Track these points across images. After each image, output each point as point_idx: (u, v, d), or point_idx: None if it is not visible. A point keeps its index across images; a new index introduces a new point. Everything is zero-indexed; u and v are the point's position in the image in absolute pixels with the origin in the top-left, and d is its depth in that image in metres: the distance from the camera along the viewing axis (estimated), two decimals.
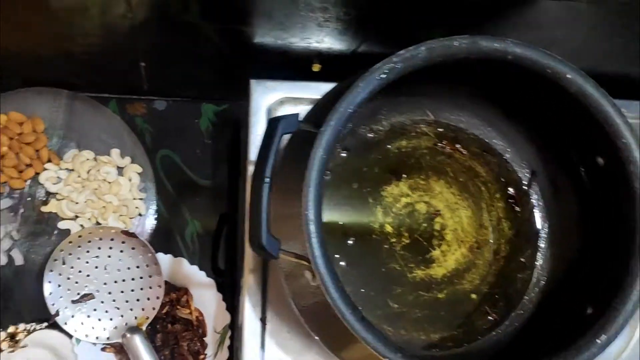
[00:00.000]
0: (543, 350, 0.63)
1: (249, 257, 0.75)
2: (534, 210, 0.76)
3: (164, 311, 0.86)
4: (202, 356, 0.87)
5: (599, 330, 0.61)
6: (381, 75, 0.60)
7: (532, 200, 0.76)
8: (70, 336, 0.84)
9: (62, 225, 0.87)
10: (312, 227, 0.58)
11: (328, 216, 0.72)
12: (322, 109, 0.65)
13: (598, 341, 0.60)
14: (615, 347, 0.78)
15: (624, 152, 0.63)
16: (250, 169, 0.72)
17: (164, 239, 0.90)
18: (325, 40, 0.75)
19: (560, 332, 0.66)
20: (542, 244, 0.75)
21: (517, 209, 0.76)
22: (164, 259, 0.86)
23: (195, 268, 0.87)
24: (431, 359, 0.70)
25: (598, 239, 0.69)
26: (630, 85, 0.84)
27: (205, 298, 0.87)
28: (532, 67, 0.62)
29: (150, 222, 0.90)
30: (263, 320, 0.74)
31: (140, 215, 0.89)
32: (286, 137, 0.68)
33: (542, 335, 0.70)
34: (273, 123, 0.62)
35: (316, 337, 0.67)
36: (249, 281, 0.75)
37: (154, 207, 0.90)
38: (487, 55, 0.62)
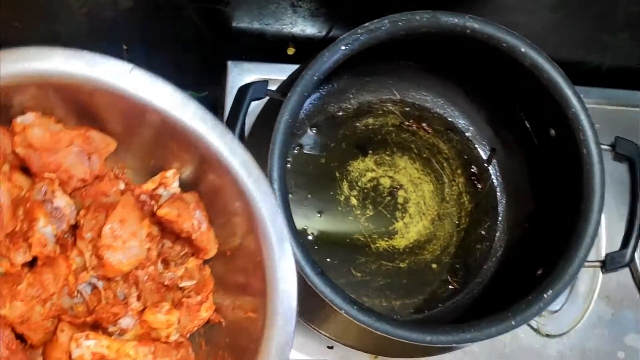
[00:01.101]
0: (497, 308, 0.67)
1: None
2: (493, 184, 0.80)
3: None
4: None
5: (546, 287, 0.65)
6: (346, 46, 0.65)
7: (491, 175, 0.80)
8: None
9: None
10: (276, 185, 0.62)
11: (296, 190, 0.76)
12: (290, 81, 0.69)
13: (545, 296, 0.64)
14: (571, 317, 0.83)
15: (573, 122, 0.67)
16: None
17: None
18: (298, 22, 0.80)
19: (514, 293, 0.70)
20: (500, 216, 0.79)
21: (478, 184, 0.80)
22: None
23: None
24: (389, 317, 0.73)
25: (549, 207, 0.73)
26: (589, 72, 0.90)
27: None
28: (489, 41, 0.67)
29: None
30: None
31: None
32: (258, 109, 0.73)
33: (498, 297, 0.73)
34: (243, 89, 0.66)
35: None
36: None
37: None
38: (447, 29, 0.67)
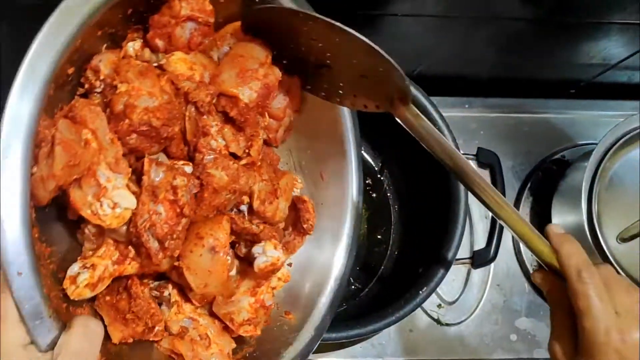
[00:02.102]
0: (384, 304, 0.76)
1: None
2: (386, 193, 0.89)
3: None
4: None
5: (422, 284, 0.74)
6: None
7: (384, 185, 0.89)
8: None
9: None
10: None
11: None
12: None
13: (421, 292, 0.74)
14: (467, 306, 0.92)
15: None
16: None
17: None
18: None
19: (403, 289, 0.79)
20: (393, 221, 0.89)
21: (373, 194, 0.89)
22: None
23: None
24: None
25: (427, 212, 0.82)
26: (478, 84, 1.00)
27: None
28: None
29: None
30: None
31: None
32: None
33: (393, 294, 0.83)
34: None
35: None
36: None
37: None
38: None
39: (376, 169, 0.89)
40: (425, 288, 0.74)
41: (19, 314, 0.42)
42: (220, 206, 0.53)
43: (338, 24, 0.49)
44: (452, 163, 0.54)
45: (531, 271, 0.95)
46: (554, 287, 0.56)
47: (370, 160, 0.89)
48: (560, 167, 0.97)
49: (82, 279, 0.48)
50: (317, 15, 0.50)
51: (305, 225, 0.61)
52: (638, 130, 0.83)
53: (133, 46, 0.53)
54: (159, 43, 0.54)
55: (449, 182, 0.76)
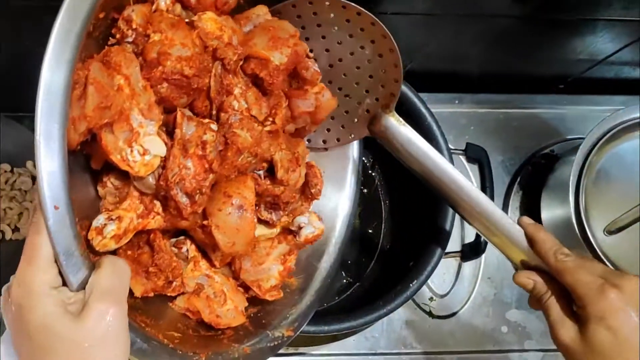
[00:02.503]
0: (376, 297, 0.78)
1: None
2: (377, 189, 0.91)
3: None
4: None
5: (413, 277, 0.76)
6: None
7: (375, 181, 0.91)
8: None
9: None
10: None
11: None
12: None
13: (411, 285, 0.75)
14: (458, 299, 0.94)
15: (428, 132, 0.78)
16: None
17: None
18: None
19: (394, 283, 0.81)
20: (384, 216, 0.90)
21: (364, 189, 0.91)
22: None
23: None
24: None
25: (418, 206, 0.84)
26: (468, 81, 1.01)
27: None
28: None
29: None
30: None
31: None
32: None
33: (384, 287, 0.84)
34: None
35: None
36: None
37: None
38: None
39: (367, 164, 0.91)
40: (415, 281, 0.75)
41: (53, 250, 0.42)
42: (241, 167, 0.54)
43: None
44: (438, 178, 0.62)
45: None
46: (537, 282, 0.59)
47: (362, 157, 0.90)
48: (549, 161, 0.99)
49: (108, 230, 0.49)
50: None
51: (313, 190, 0.63)
52: (623, 125, 0.85)
53: (165, 0, 0.54)
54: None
55: None
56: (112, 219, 0.50)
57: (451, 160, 0.77)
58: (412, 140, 0.61)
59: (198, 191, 0.50)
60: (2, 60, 0.89)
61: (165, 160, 0.49)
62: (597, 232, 0.85)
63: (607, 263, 0.82)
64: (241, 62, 0.54)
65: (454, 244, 0.87)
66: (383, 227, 0.90)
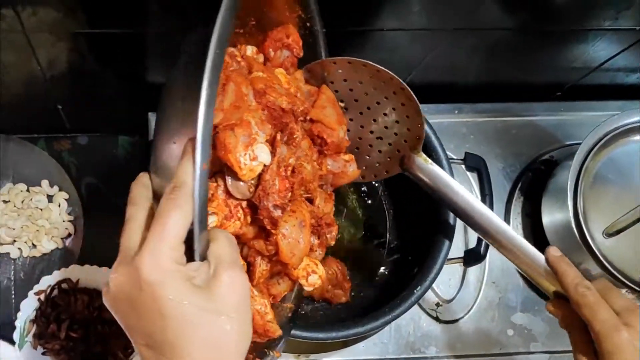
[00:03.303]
0: (381, 304, 0.80)
1: None
2: (381, 199, 0.93)
3: (94, 315, 1.01)
4: (130, 350, 1.02)
5: (417, 284, 0.78)
6: None
7: (379, 191, 0.94)
8: (13, 343, 0.98)
9: (2, 249, 1.02)
10: None
11: None
12: None
13: (416, 291, 0.78)
14: (464, 304, 0.96)
15: (427, 144, 0.81)
16: None
17: (92, 253, 1.05)
18: None
19: (398, 289, 0.83)
20: (388, 225, 0.93)
21: (368, 200, 0.93)
22: (92, 269, 1.02)
23: None
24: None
25: (420, 214, 0.86)
26: (467, 91, 1.04)
27: None
28: None
29: (78, 239, 1.05)
30: None
31: (70, 234, 1.05)
32: None
33: (392, 293, 0.86)
34: None
35: None
36: None
37: (81, 226, 1.06)
38: None
39: None
40: (419, 287, 0.78)
41: (194, 212, 0.43)
42: (295, 195, 0.62)
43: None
44: (463, 209, 0.69)
45: None
46: (565, 312, 0.63)
47: None
48: (549, 167, 1.01)
49: (211, 221, 0.53)
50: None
51: (328, 236, 0.68)
52: (618, 130, 0.88)
53: (251, 49, 0.63)
54: (271, 53, 0.64)
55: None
56: (212, 213, 0.54)
57: (450, 171, 0.79)
58: (440, 177, 0.69)
59: (280, 206, 0.56)
60: (16, 83, 0.93)
61: (263, 172, 0.55)
62: (597, 234, 0.87)
63: (608, 266, 0.84)
64: (304, 116, 0.63)
65: (458, 251, 0.89)
66: (388, 235, 0.92)
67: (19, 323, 0.99)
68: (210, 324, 0.43)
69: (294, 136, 0.60)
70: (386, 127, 0.69)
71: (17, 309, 0.99)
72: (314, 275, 0.64)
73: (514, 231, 0.68)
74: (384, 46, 0.87)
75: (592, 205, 0.88)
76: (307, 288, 0.65)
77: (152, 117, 0.97)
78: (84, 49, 0.83)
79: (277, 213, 0.56)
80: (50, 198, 1.06)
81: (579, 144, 0.89)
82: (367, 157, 0.72)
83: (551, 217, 0.95)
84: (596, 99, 1.07)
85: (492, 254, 0.88)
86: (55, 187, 1.06)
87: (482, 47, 0.92)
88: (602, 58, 0.96)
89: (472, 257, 0.81)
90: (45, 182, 1.06)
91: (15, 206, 1.04)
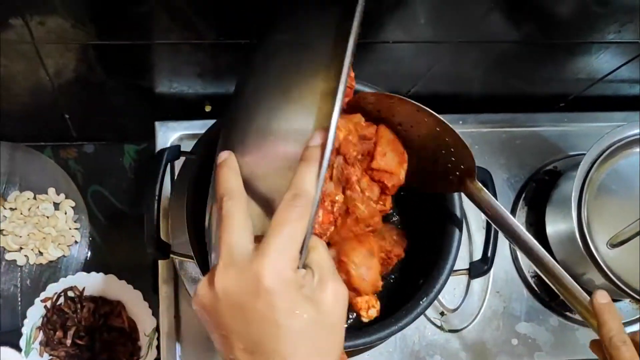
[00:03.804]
0: (387, 315, 0.80)
1: (162, 269, 0.92)
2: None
3: (100, 322, 1.02)
4: (135, 357, 1.02)
5: (423, 295, 0.79)
6: None
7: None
8: (19, 350, 0.99)
9: (9, 256, 1.03)
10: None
11: None
12: (204, 137, 0.82)
13: (421, 302, 0.78)
14: (469, 313, 0.97)
15: None
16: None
17: (97, 260, 1.06)
18: (207, 86, 0.93)
19: (403, 300, 0.83)
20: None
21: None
22: (97, 277, 1.02)
23: (123, 282, 1.03)
24: None
25: (430, 227, 0.87)
26: (471, 102, 1.04)
27: (135, 307, 1.03)
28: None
29: (84, 246, 1.06)
30: (177, 318, 0.91)
31: (76, 242, 1.06)
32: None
33: (393, 305, 0.87)
34: (160, 153, 0.78)
35: None
36: (163, 289, 0.92)
37: (87, 234, 1.07)
38: None
39: None
40: (425, 298, 0.78)
41: (310, 219, 0.44)
42: (358, 233, 0.67)
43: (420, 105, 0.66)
44: (511, 234, 0.72)
45: (529, 278, 1.00)
46: (604, 357, 0.64)
47: None
48: (553, 177, 1.02)
49: None
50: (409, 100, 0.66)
51: None
52: (621, 142, 0.88)
53: None
54: None
55: (444, 200, 0.81)
56: None
57: None
58: (492, 205, 0.73)
59: (320, 235, 0.60)
60: (24, 92, 0.94)
61: None
62: (601, 245, 0.88)
63: (612, 276, 0.85)
64: (360, 158, 0.66)
65: (463, 262, 0.90)
66: None
67: (25, 330, 0.99)
68: (317, 335, 0.43)
69: (351, 181, 0.64)
70: (442, 152, 0.72)
71: (24, 316, 1.00)
72: (373, 309, 0.68)
73: (560, 268, 0.70)
74: (389, 58, 0.88)
75: (596, 216, 0.89)
76: (364, 319, 0.68)
77: (158, 126, 0.97)
78: (92, 59, 0.84)
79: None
80: (56, 206, 1.06)
81: (583, 154, 0.90)
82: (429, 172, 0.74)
83: (555, 227, 0.95)
84: (600, 110, 1.08)
85: (496, 265, 0.88)
86: (62, 195, 1.07)
87: (486, 59, 0.93)
88: (605, 70, 0.96)
89: (477, 269, 0.81)
90: (51, 190, 1.06)
91: (21, 214, 1.04)
